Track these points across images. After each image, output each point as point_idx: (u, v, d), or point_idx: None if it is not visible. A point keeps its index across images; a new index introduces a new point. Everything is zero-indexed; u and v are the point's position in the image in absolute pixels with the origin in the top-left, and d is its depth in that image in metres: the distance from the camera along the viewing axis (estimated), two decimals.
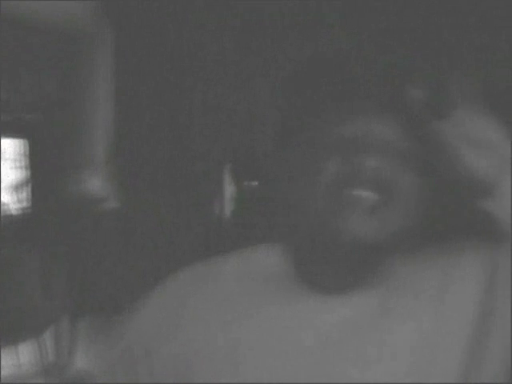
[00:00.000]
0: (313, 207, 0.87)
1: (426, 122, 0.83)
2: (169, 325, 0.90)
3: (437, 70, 0.83)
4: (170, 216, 5.77)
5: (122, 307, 5.47)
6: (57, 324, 4.05)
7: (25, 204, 6.03)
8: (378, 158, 0.83)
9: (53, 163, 6.01)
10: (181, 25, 5.74)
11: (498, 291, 0.83)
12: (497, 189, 0.80)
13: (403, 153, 0.84)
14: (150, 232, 5.79)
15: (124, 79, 5.92)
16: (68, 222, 5.63)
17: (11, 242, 4.88)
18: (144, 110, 5.88)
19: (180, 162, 5.86)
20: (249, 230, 5.41)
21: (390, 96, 0.83)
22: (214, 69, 5.78)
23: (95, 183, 6.04)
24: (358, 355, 0.83)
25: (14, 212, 5.80)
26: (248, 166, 5.84)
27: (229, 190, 5.95)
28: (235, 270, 0.93)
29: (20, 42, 5.60)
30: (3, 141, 5.96)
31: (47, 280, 4.25)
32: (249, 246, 0.98)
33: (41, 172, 6.07)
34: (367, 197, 0.82)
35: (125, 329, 0.96)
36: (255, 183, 5.81)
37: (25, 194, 6.07)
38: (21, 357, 4.06)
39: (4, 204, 5.71)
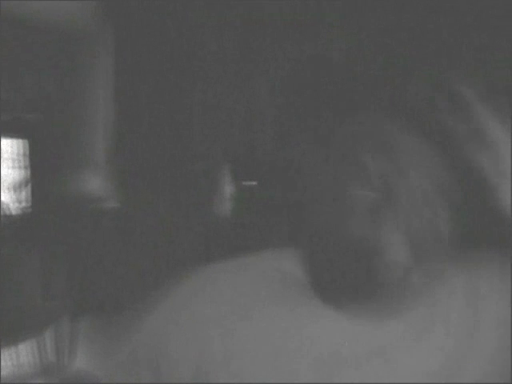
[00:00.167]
0: (316, 208, 0.86)
1: (466, 155, 0.81)
2: (178, 327, 0.89)
3: (480, 102, 0.80)
4: (170, 215, 5.77)
5: (122, 307, 5.49)
6: (57, 324, 4.05)
7: (25, 204, 6.03)
8: (383, 158, 0.80)
9: (53, 163, 6.00)
10: (180, 25, 5.74)
11: None
12: None
13: (411, 153, 0.81)
14: (150, 232, 5.80)
15: (124, 79, 5.92)
16: (68, 221, 5.62)
17: (11, 242, 4.88)
18: (144, 110, 5.88)
19: (179, 162, 5.86)
20: (248, 230, 5.42)
21: (427, 122, 0.80)
22: (214, 68, 5.78)
23: (95, 183, 6.04)
24: (368, 373, 0.83)
25: (13, 212, 5.80)
26: (247, 165, 5.84)
27: (228, 189, 5.95)
28: (246, 274, 0.92)
29: (20, 41, 5.60)
30: (3, 141, 5.96)
31: (47, 280, 4.26)
32: (259, 249, 0.96)
33: (41, 172, 6.07)
34: (370, 196, 0.80)
35: (132, 330, 0.96)
36: (254, 183, 5.81)
37: (25, 194, 6.07)
38: (21, 357, 4.06)
39: (4, 204, 5.71)
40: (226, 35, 5.67)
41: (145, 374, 0.90)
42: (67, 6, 5.51)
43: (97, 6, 5.79)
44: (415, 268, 0.80)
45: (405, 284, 0.80)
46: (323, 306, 0.85)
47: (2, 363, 3.72)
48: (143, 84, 5.84)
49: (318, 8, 5.20)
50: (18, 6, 5.17)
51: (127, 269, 5.69)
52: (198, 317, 0.88)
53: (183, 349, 0.87)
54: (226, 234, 5.52)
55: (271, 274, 0.90)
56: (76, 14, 5.77)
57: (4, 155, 5.97)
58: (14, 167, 6.13)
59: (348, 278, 0.81)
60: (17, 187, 6.06)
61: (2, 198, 5.77)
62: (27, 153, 6.12)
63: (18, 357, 4.13)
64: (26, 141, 6.12)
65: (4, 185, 5.93)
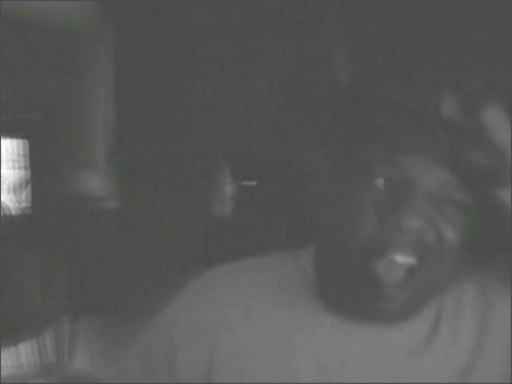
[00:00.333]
0: (319, 209, 0.86)
1: (487, 190, 0.78)
2: (193, 325, 0.90)
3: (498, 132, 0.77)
4: (170, 215, 5.77)
5: (122, 307, 5.49)
6: (57, 324, 4.04)
7: (25, 204, 6.03)
8: (419, 218, 0.78)
9: (53, 163, 6.00)
10: (180, 24, 5.74)
11: None
12: None
13: (417, 154, 0.79)
14: (150, 231, 5.80)
15: (124, 79, 5.92)
16: (68, 221, 5.62)
17: (11, 242, 4.87)
18: (143, 110, 5.88)
19: (179, 162, 5.86)
20: (247, 229, 5.41)
21: (446, 154, 0.78)
22: (213, 68, 5.78)
23: (95, 183, 6.04)
24: (371, 376, 0.83)
25: (13, 212, 5.80)
26: (247, 165, 5.84)
27: (227, 189, 5.95)
28: (259, 277, 0.92)
29: (20, 41, 5.60)
30: (3, 141, 5.96)
31: (47, 280, 4.25)
32: (259, 249, 0.96)
33: (41, 172, 6.07)
34: (403, 262, 0.78)
35: (146, 329, 0.96)
36: (253, 183, 5.81)
37: (25, 194, 6.07)
38: (21, 357, 4.06)
39: (4, 204, 5.71)
40: (226, 35, 5.67)
41: (160, 366, 0.91)
42: (67, 6, 5.51)
43: (96, 5, 5.79)
44: (420, 270, 0.80)
45: (410, 288, 0.80)
46: (328, 307, 0.85)
47: (2, 363, 3.72)
48: (143, 84, 5.83)
49: (317, 7, 5.20)
50: (18, 5, 5.17)
51: (127, 269, 5.69)
52: (209, 314, 0.89)
53: (196, 343, 0.88)
54: (226, 233, 5.52)
55: (288, 276, 0.91)
56: (76, 14, 5.77)
57: (4, 155, 5.98)
58: (13, 167, 6.12)
59: (352, 280, 0.81)
60: (16, 188, 6.05)
61: (2, 198, 5.77)
62: (27, 153, 6.12)
63: (18, 357, 4.12)
64: (25, 141, 6.12)
65: (3, 185, 5.93)
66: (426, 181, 0.79)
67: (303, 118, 4.99)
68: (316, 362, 0.85)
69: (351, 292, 0.82)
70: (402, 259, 0.79)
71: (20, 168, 6.14)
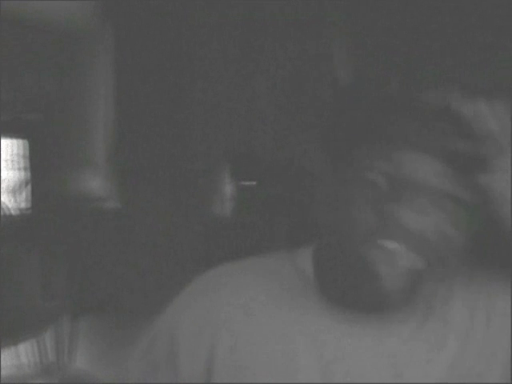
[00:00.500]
0: (321, 209, 0.86)
1: (472, 175, 0.79)
2: (194, 324, 0.90)
3: (484, 116, 0.78)
4: (170, 215, 5.77)
5: (122, 307, 5.49)
6: (57, 324, 4.05)
7: (25, 204, 6.03)
8: (418, 214, 0.79)
9: (53, 163, 6.01)
10: (181, 24, 5.74)
11: None
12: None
13: (448, 207, 0.79)
14: (150, 231, 5.80)
15: (124, 78, 5.92)
16: (68, 221, 5.62)
17: (11, 242, 4.87)
18: (144, 110, 5.88)
19: (179, 162, 5.86)
20: (247, 229, 5.41)
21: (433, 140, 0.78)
22: (214, 68, 5.78)
23: (95, 183, 6.04)
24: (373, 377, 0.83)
25: (13, 212, 5.80)
26: (247, 165, 5.84)
27: (228, 189, 5.95)
28: (259, 277, 0.92)
29: (20, 41, 5.60)
30: (3, 141, 5.97)
31: (47, 280, 4.26)
32: (259, 249, 0.97)
33: (41, 172, 6.07)
34: (403, 258, 0.79)
35: (146, 330, 0.96)
36: (254, 183, 5.81)
37: (25, 195, 6.07)
38: (21, 357, 4.06)
39: (4, 204, 5.71)
40: (226, 34, 5.67)
41: (162, 366, 0.91)
42: (67, 6, 5.51)
43: (96, 5, 5.79)
44: (422, 272, 0.80)
45: (410, 282, 0.81)
46: (328, 306, 0.86)
47: (2, 363, 3.72)
48: (143, 84, 5.83)
49: (319, 7, 5.20)
50: (18, 5, 5.17)
51: (127, 269, 5.69)
52: (209, 313, 0.89)
53: (197, 343, 0.88)
54: (226, 233, 5.52)
55: (287, 275, 0.91)
56: (76, 14, 5.77)
57: (4, 155, 5.98)
58: (13, 167, 6.13)
59: (351, 278, 0.81)
60: (16, 188, 6.06)
61: (2, 198, 5.77)
62: (26, 154, 6.12)
63: (18, 357, 4.12)
64: (24, 141, 6.12)
65: (3, 185, 5.93)
66: (424, 176, 0.79)
67: (304, 118, 4.99)
68: (317, 361, 0.85)
69: (351, 290, 0.82)
70: (402, 254, 0.79)
71: (20, 168, 6.14)
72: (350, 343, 0.85)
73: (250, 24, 5.55)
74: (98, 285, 5.51)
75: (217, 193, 5.99)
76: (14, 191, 6.04)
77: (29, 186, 6.08)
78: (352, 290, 0.82)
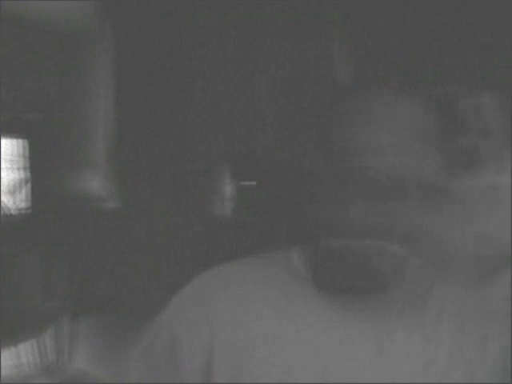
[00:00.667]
0: (315, 205, 0.87)
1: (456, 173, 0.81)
2: (194, 322, 0.91)
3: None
4: (170, 215, 5.77)
5: (122, 307, 5.48)
6: (57, 324, 4.05)
7: (25, 204, 6.03)
8: (406, 206, 0.80)
9: (53, 163, 6.01)
10: (180, 24, 5.74)
11: None
12: None
13: (436, 198, 0.81)
14: (150, 231, 5.80)
15: (124, 78, 5.92)
16: (68, 221, 5.63)
17: (11, 242, 4.88)
18: (144, 110, 5.88)
19: (179, 161, 5.86)
20: (247, 230, 5.41)
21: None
22: (214, 68, 5.78)
23: (95, 183, 6.04)
24: (370, 370, 0.84)
25: (14, 212, 5.80)
26: (247, 165, 5.84)
27: (228, 189, 5.95)
28: (256, 276, 0.93)
29: (20, 41, 5.60)
30: (3, 141, 5.96)
31: (47, 280, 4.26)
32: (259, 249, 0.98)
33: (41, 172, 6.07)
34: (395, 250, 0.81)
35: (146, 329, 0.97)
36: (254, 183, 5.81)
37: (25, 195, 6.07)
38: (21, 357, 4.06)
39: (4, 204, 5.71)
40: (226, 35, 5.67)
41: (162, 364, 0.92)
42: (67, 6, 5.51)
43: (96, 5, 5.79)
44: (416, 263, 0.81)
45: (405, 275, 0.82)
46: (327, 303, 0.86)
47: (2, 363, 3.72)
48: (143, 84, 5.83)
49: (319, 7, 5.20)
50: (17, 5, 5.17)
51: (127, 269, 5.69)
52: (208, 312, 0.90)
53: (196, 341, 0.89)
54: (226, 233, 5.52)
55: (284, 275, 0.92)
56: (76, 14, 5.77)
57: (4, 156, 5.98)
58: (13, 167, 6.13)
59: (349, 273, 0.82)
60: (16, 188, 6.06)
61: (2, 198, 5.77)
62: (27, 153, 6.12)
63: (18, 357, 4.12)
64: (24, 141, 6.12)
65: (3, 185, 5.93)
66: (411, 170, 0.80)
67: (304, 118, 4.99)
68: (315, 361, 0.86)
69: (345, 286, 0.83)
70: (393, 247, 0.80)
71: (20, 168, 6.14)
72: (348, 344, 0.86)
73: (250, 24, 5.55)
74: (97, 285, 5.51)
75: (217, 193, 5.99)
76: (14, 191, 6.04)
77: (29, 186, 6.08)
78: (345, 287, 0.83)
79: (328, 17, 5.14)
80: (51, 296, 4.30)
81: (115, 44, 5.94)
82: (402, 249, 0.81)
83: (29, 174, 6.12)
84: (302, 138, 0.94)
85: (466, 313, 0.87)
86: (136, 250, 5.76)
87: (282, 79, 5.52)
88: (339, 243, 0.82)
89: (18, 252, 4.30)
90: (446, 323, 0.86)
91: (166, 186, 5.82)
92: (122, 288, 5.64)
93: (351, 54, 4.89)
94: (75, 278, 4.54)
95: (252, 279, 0.92)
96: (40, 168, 6.06)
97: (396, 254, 0.81)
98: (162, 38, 5.77)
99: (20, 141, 6.14)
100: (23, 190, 6.07)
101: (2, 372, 3.73)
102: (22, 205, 6.01)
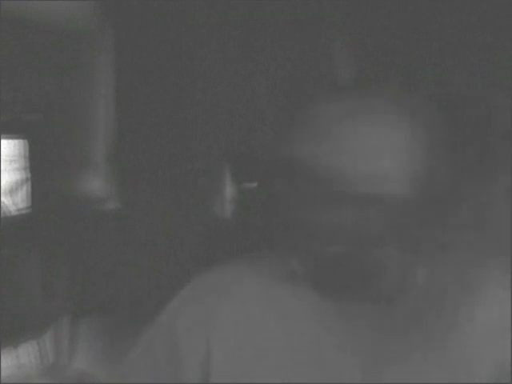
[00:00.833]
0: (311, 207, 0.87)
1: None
2: (193, 323, 0.91)
3: None
4: (170, 216, 5.77)
5: (122, 308, 5.47)
6: (57, 325, 4.05)
7: (25, 204, 6.03)
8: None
9: (53, 163, 6.00)
10: (180, 24, 5.74)
11: None
12: None
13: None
14: (150, 232, 5.79)
15: (124, 78, 5.92)
16: (68, 221, 5.62)
17: (11, 242, 4.87)
18: (144, 110, 5.88)
19: (180, 162, 5.86)
20: (248, 230, 5.41)
21: None
22: (214, 68, 5.78)
23: (95, 183, 6.04)
24: (365, 364, 0.84)
25: (13, 212, 5.80)
26: (247, 166, 5.84)
27: (228, 190, 5.95)
28: (257, 275, 0.94)
29: (20, 41, 5.60)
30: (3, 141, 5.96)
31: (47, 280, 4.25)
32: (259, 249, 0.98)
33: (41, 172, 6.06)
34: (387, 252, 0.81)
35: (146, 329, 0.98)
36: (254, 184, 5.81)
37: (25, 194, 6.07)
38: (21, 357, 4.06)
39: (4, 204, 5.71)
40: (226, 34, 5.66)
41: (163, 364, 0.92)
42: (67, 6, 5.51)
43: (96, 5, 5.79)
44: (411, 262, 0.81)
45: (404, 280, 0.82)
46: (323, 302, 0.86)
47: (2, 364, 3.72)
48: (143, 83, 5.83)
49: (319, 7, 5.20)
50: (17, 5, 5.17)
51: (128, 269, 5.69)
52: (207, 312, 0.91)
53: (196, 340, 0.90)
54: (227, 234, 5.51)
55: (281, 275, 0.92)
56: (76, 14, 5.77)
57: (4, 156, 5.97)
58: (13, 167, 6.12)
59: (344, 273, 0.82)
60: (16, 188, 6.05)
61: (2, 198, 5.77)
62: (26, 153, 6.12)
63: (18, 357, 4.13)
64: (24, 141, 6.11)
65: (3, 186, 5.93)
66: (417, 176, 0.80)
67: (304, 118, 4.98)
68: (314, 361, 0.86)
69: (341, 288, 0.83)
70: (384, 249, 0.80)
71: (20, 168, 6.14)
72: (343, 337, 0.86)
73: (250, 24, 5.55)
74: (98, 285, 5.51)
75: (217, 193, 5.99)
76: (14, 191, 6.03)
77: (29, 186, 6.07)
78: (341, 288, 0.83)
79: (328, 17, 5.14)
80: (51, 296, 4.30)
81: (115, 44, 5.94)
82: (404, 256, 0.81)
83: (29, 174, 6.11)
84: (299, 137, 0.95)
85: (468, 325, 0.87)
86: (136, 250, 5.76)
87: (281, 79, 5.51)
88: (337, 249, 0.82)
89: (18, 252, 4.30)
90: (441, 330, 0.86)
91: (166, 186, 5.82)
92: (122, 288, 5.64)
93: (351, 54, 4.89)
94: (76, 278, 4.53)
95: (251, 280, 0.93)
96: (40, 168, 6.05)
97: (397, 261, 0.81)
98: (163, 38, 5.77)
99: (20, 141, 6.13)
100: (23, 190, 6.07)
101: (2, 372, 3.73)
102: (22, 205, 6.01)
